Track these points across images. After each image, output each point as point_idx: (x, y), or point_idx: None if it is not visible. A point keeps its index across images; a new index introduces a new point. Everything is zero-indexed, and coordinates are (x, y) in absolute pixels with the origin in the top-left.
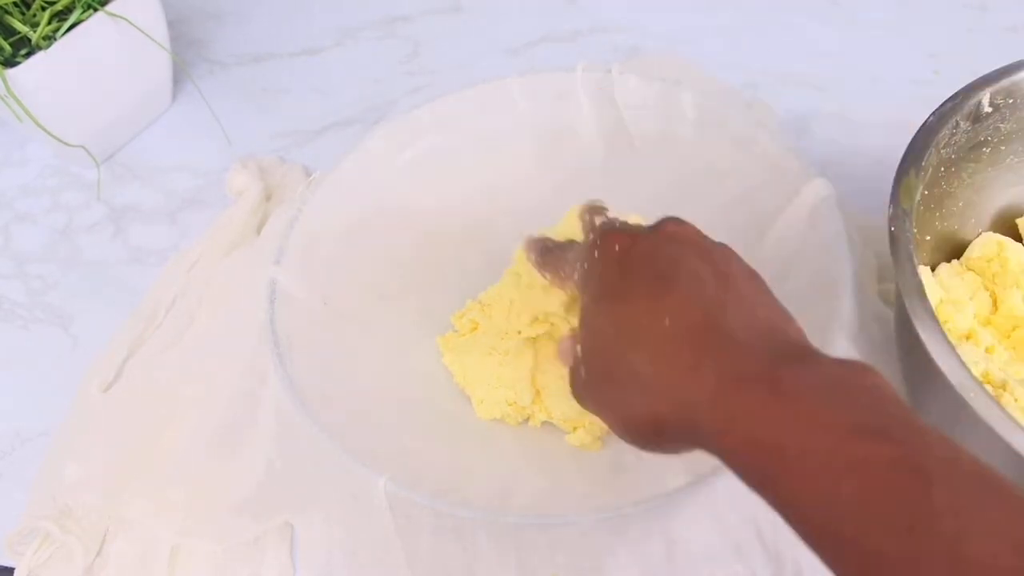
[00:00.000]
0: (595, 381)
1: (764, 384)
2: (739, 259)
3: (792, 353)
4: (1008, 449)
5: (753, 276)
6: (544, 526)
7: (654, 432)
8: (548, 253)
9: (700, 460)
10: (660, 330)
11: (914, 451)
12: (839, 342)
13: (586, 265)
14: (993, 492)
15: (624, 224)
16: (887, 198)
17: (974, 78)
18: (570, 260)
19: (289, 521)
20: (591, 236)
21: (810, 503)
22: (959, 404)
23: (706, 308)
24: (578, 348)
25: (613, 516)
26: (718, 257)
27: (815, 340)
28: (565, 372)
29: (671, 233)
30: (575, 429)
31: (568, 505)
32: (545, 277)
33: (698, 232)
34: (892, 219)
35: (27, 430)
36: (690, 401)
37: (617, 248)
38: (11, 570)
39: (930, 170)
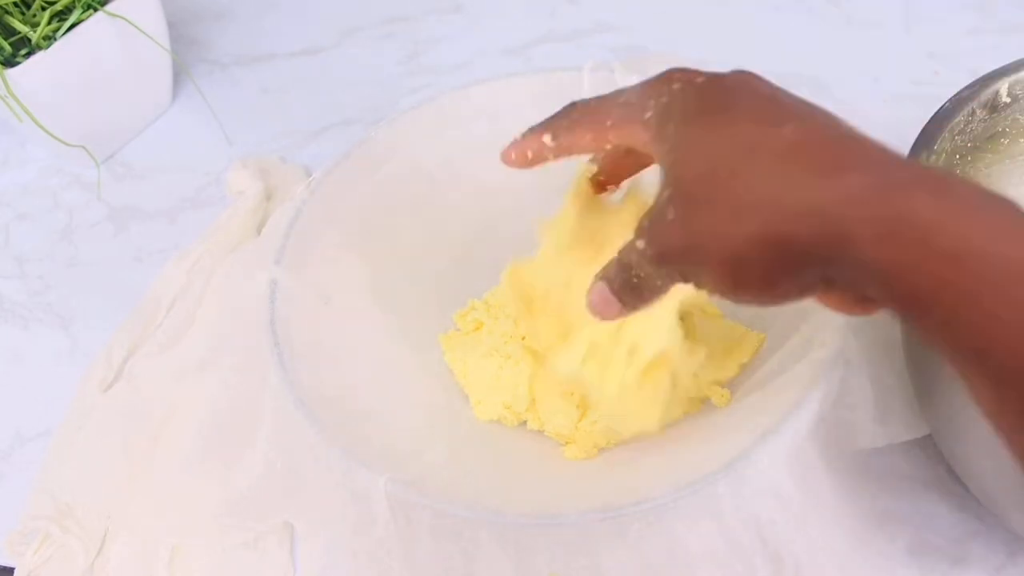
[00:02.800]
0: (692, 215)
1: (929, 188)
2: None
3: (925, 167)
4: None
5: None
6: (544, 526)
7: (777, 260)
8: (572, 113)
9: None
10: (781, 140)
11: None
12: (842, 337)
13: (664, 98)
14: None
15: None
16: None
17: (974, 78)
18: (620, 107)
19: (289, 521)
20: (660, 75)
21: (1013, 321)
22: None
23: (827, 121)
24: (664, 193)
25: (613, 516)
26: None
27: (815, 338)
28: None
29: (733, 76)
30: (568, 443)
31: (568, 505)
32: (575, 141)
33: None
34: None
35: (27, 430)
36: (834, 210)
37: (701, 79)
38: (11, 570)
39: (943, 156)
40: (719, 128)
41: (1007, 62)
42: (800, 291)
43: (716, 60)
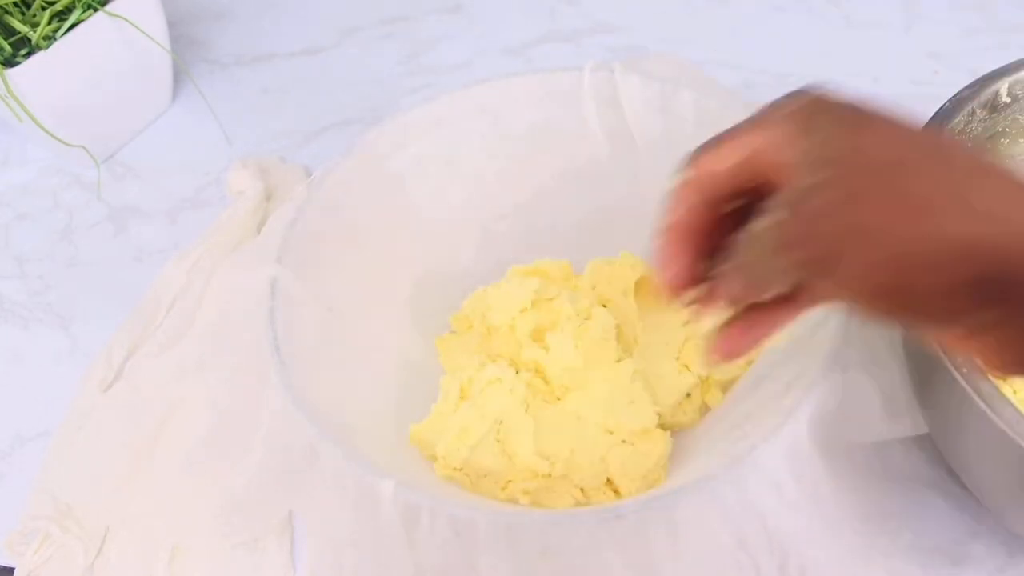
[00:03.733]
0: (856, 202)
1: None
2: None
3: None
4: (1013, 443)
5: None
6: (544, 525)
7: (979, 260)
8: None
9: (701, 460)
10: (966, 151)
11: None
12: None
13: (792, 108)
14: None
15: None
16: None
17: (974, 78)
18: (751, 120)
19: (289, 520)
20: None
21: None
22: (964, 397)
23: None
24: (811, 180)
25: (613, 516)
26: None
27: (814, 337)
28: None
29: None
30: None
31: (568, 504)
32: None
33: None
34: None
35: (27, 430)
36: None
37: (813, 96)
38: (11, 570)
39: None
40: (878, 132)
41: (1007, 62)
42: (965, 311)
43: (716, 60)
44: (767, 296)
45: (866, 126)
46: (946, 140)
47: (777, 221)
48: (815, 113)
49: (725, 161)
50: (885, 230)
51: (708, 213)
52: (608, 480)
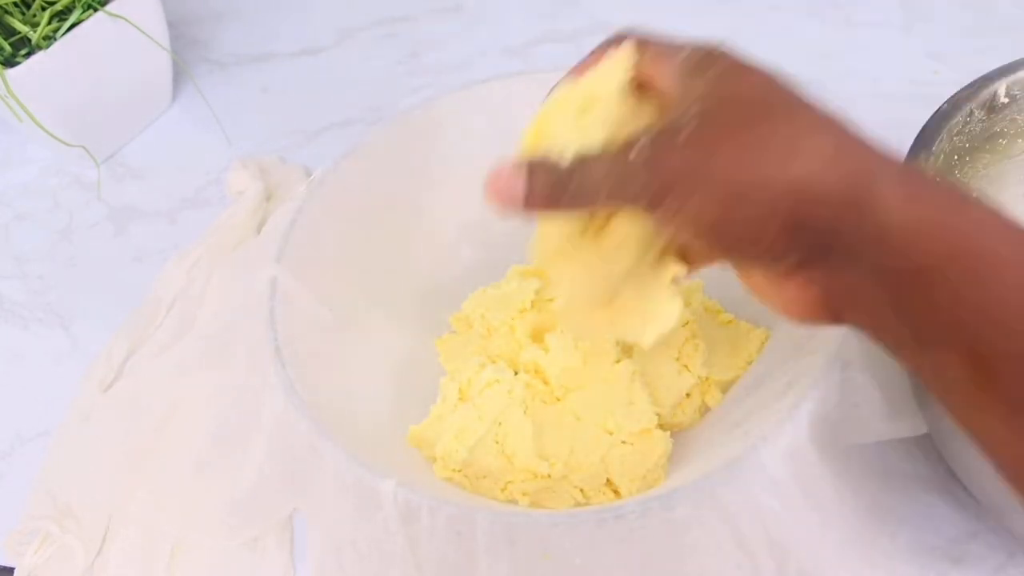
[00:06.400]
0: (711, 139)
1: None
2: None
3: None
4: None
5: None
6: (543, 525)
7: (785, 209)
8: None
9: (701, 460)
10: (819, 113)
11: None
12: (843, 335)
13: (697, 107)
14: None
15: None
16: None
17: (973, 78)
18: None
19: (289, 520)
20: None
21: (1013, 304)
22: None
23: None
24: (681, 116)
25: (613, 516)
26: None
27: (814, 337)
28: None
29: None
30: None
31: (568, 505)
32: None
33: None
34: None
35: (27, 430)
36: (869, 169)
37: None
38: (11, 570)
39: (942, 157)
40: (755, 87)
41: (1006, 62)
42: (785, 251)
43: None
44: (580, 207)
45: (739, 78)
46: (807, 98)
47: (627, 154)
48: (706, 64)
49: (632, 70)
50: (719, 170)
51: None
52: (608, 480)
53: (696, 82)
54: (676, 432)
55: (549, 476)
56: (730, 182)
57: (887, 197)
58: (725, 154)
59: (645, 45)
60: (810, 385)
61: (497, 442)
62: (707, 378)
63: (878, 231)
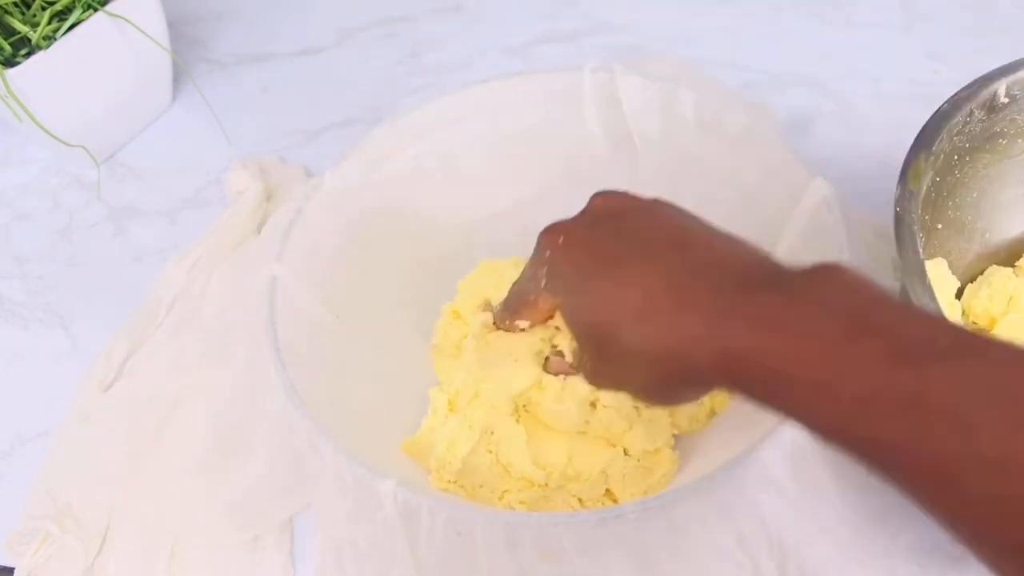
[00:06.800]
0: (601, 365)
1: (744, 315)
2: (676, 207)
3: (762, 277)
4: None
5: (694, 219)
6: (543, 526)
7: (666, 387)
8: (507, 303)
9: (702, 460)
10: (634, 298)
11: (898, 340)
12: None
13: (545, 268)
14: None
15: (557, 222)
16: (889, 197)
17: (973, 78)
18: (527, 285)
19: (289, 520)
20: (536, 248)
21: (818, 410)
22: None
23: (667, 264)
24: (574, 348)
25: (612, 517)
26: (658, 212)
27: None
28: (559, 381)
29: (603, 207)
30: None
31: (568, 505)
32: (522, 322)
33: (627, 196)
34: (898, 200)
35: (27, 430)
36: (685, 351)
37: (561, 240)
38: (11, 570)
39: (942, 156)
40: (587, 299)
41: (1006, 62)
42: (700, 395)
43: (716, 60)
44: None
45: (588, 289)
46: (640, 283)
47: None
48: (552, 278)
49: (538, 320)
50: (624, 381)
51: None
52: (607, 491)
53: (557, 291)
54: (681, 437)
55: (546, 485)
56: (638, 387)
57: (704, 367)
58: (613, 370)
59: (518, 301)
60: None
61: (491, 451)
62: None
63: (718, 384)
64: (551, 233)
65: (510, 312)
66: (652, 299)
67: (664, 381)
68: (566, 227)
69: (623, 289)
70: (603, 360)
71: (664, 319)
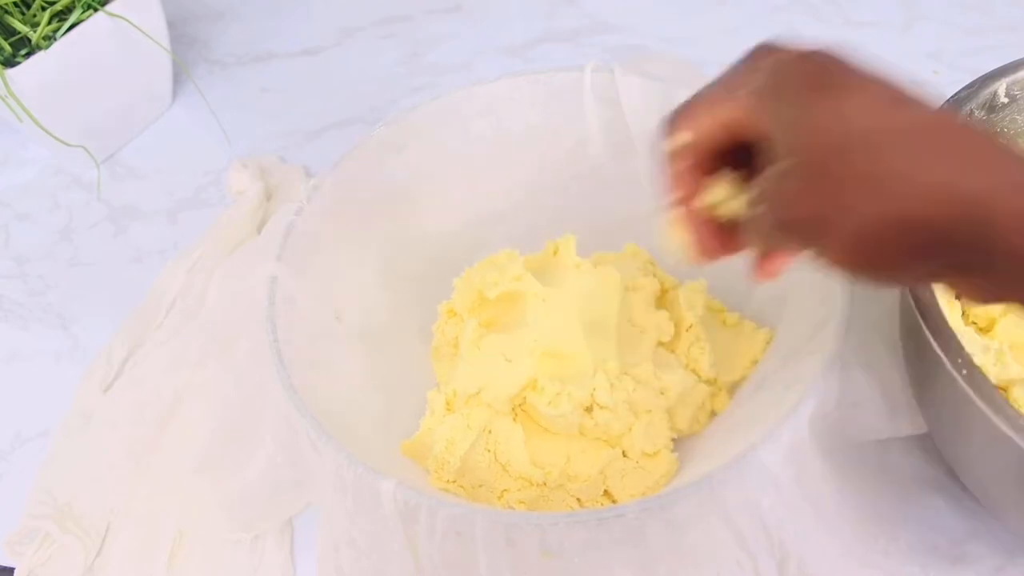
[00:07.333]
0: (822, 186)
1: None
2: None
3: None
4: (1013, 443)
5: None
6: (543, 526)
7: (912, 241)
8: (678, 107)
9: (702, 460)
10: (913, 121)
11: None
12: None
13: (760, 75)
14: None
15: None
16: None
17: (973, 78)
18: (716, 90)
19: (290, 520)
20: (746, 55)
21: None
22: (964, 397)
23: (939, 106)
24: (783, 163)
25: (612, 517)
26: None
27: (814, 339)
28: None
29: (809, 50)
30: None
31: (567, 505)
32: (681, 134)
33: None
34: None
35: (27, 430)
36: (982, 198)
37: (791, 55)
38: (11, 570)
39: None
40: (841, 101)
41: (1006, 62)
42: (929, 275)
43: (716, 60)
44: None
45: (834, 94)
46: (902, 114)
47: (758, 214)
48: (783, 81)
49: (705, 131)
50: (848, 209)
51: (697, 176)
52: (606, 491)
53: (775, 103)
54: (681, 437)
55: (544, 484)
56: (854, 226)
57: (1002, 230)
58: (840, 195)
59: (688, 109)
60: (810, 385)
61: (489, 450)
62: (715, 380)
63: (1001, 258)
64: (764, 50)
65: (677, 115)
66: (942, 130)
67: (910, 232)
68: (787, 49)
69: (897, 106)
70: (825, 179)
71: (959, 155)
